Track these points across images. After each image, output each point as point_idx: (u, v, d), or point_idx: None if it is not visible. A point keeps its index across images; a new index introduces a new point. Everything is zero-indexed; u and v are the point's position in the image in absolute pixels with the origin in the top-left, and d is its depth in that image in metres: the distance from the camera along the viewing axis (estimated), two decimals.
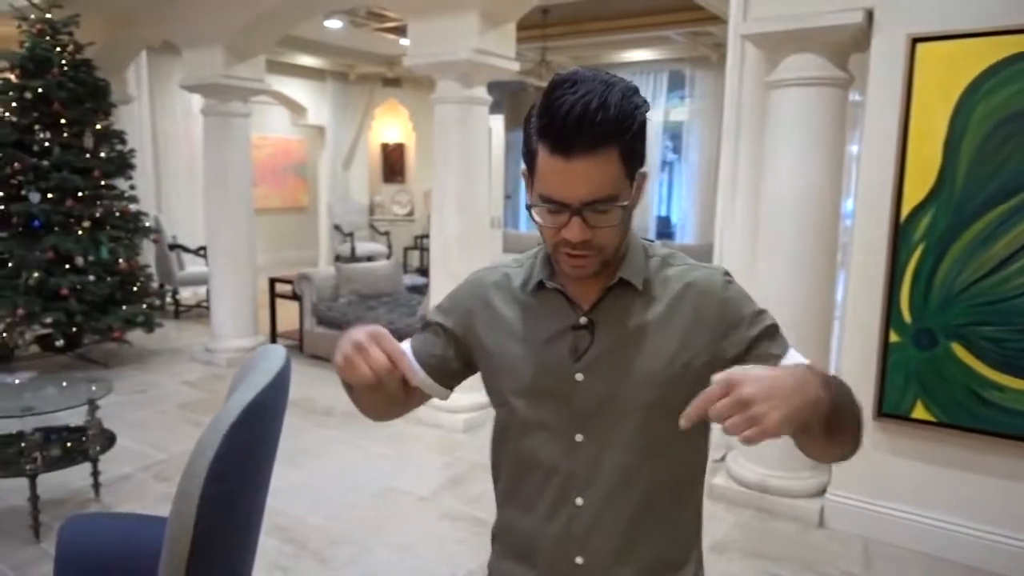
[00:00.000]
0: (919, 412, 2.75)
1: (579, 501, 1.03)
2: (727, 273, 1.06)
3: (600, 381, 1.00)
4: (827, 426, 0.86)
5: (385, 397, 1.08)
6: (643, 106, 0.91)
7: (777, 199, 3.00)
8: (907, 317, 2.75)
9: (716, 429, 1.07)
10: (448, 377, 1.15)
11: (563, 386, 1.02)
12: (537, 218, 0.95)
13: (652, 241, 1.10)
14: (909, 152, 2.70)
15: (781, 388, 0.78)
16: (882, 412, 2.82)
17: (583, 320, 1.02)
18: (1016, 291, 2.55)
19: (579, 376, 1.01)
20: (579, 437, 1.02)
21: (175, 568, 1.32)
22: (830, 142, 2.93)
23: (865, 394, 2.85)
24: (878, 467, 2.87)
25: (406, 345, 1.14)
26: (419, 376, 1.10)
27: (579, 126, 0.86)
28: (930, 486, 2.82)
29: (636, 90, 0.91)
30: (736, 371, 0.80)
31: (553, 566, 1.06)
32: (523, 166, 0.98)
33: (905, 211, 2.72)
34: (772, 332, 1.02)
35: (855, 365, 2.90)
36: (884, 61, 2.74)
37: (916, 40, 2.65)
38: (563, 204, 0.91)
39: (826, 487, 3.06)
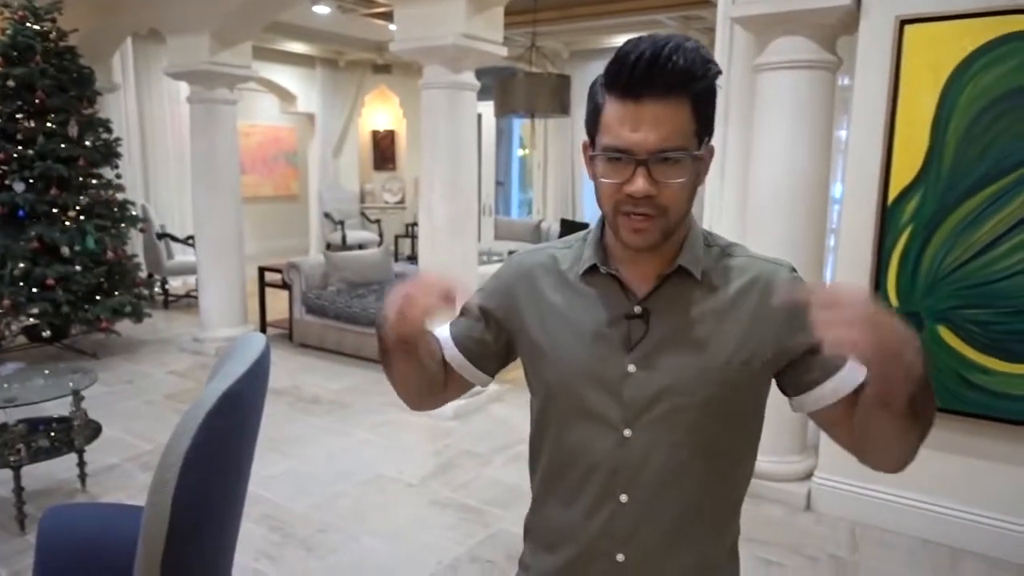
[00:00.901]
0: None
1: (623, 498, 0.98)
2: (794, 269, 1.01)
3: (653, 374, 0.95)
4: (909, 406, 0.83)
5: (425, 378, 1.07)
6: (715, 65, 0.88)
7: (766, 184, 2.98)
8: (894, 301, 2.75)
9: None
10: (488, 362, 1.11)
11: (613, 377, 0.96)
12: (599, 176, 0.91)
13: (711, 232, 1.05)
14: (897, 135, 2.68)
15: (889, 327, 0.76)
16: None
17: (637, 309, 0.97)
18: (1001, 273, 2.55)
19: (631, 367, 0.96)
20: (627, 432, 0.97)
21: (151, 557, 1.30)
22: (819, 126, 2.91)
23: None
24: None
25: (445, 331, 1.11)
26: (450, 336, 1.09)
27: (650, 69, 0.84)
28: (917, 469, 2.78)
29: (702, 45, 0.89)
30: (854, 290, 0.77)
31: (593, 562, 1.02)
32: (584, 139, 0.95)
33: (892, 194, 2.71)
34: None
35: None
36: (872, 43, 2.72)
37: (904, 22, 2.62)
38: (629, 153, 0.87)
39: (813, 471, 3.07)
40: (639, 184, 0.87)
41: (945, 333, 2.66)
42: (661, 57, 0.84)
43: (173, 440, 1.34)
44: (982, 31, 2.50)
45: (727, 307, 0.96)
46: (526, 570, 1.14)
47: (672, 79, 0.85)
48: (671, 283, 0.97)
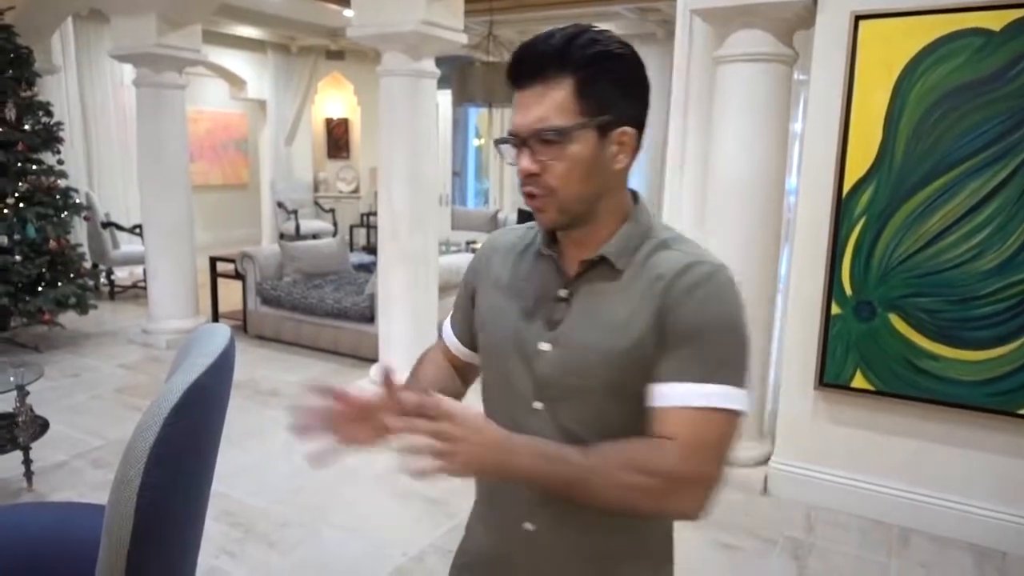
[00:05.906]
0: (858, 381, 2.84)
1: None
2: (726, 269, 0.97)
3: (564, 354, 1.00)
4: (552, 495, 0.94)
5: (450, 391, 1.15)
6: (602, 41, 0.90)
7: (725, 175, 3.03)
8: (848, 290, 2.83)
9: None
10: None
11: (530, 353, 1.02)
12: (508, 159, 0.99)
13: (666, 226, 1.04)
14: (851, 129, 2.75)
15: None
16: (823, 382, 2.91)
17: (563, 291, 1.02)
18: (949, 263, 2.65)
19: (544, 346, 1.01)
20: (537, 405, 1.02)
21: (115, 558, 1.26)
22: (776, 119, 2.97)
23: (807, 365, 2.93)
24: (819, 435, 2.96)
25: (449, 330, 1.21)
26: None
27: (522, 57, 0.92)
28: (869, 452, 2.93)
29: (596, 29, 0.92)
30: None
31: (506, 529, 1.08)
32: None
33: (847, 187, 2.78)
34: (723, 356, 0.94)
35: (798, 337, 2.97)
36: (828, 38, 2.78)
37: (859, 17, 2.69)
38: (515, 135, 0.94)
39: (770, 456, 3.15)
40: (523, 163, 0.94)
41: (896, 321, 2.75)
42: (528, 47, 0.92)
43: (136, 436, 1.29)
44: (932, 28, 2.58)
45: (638, 297, 0.97)
46: (463, 554, 1.22)
47: (542, 60, 0.90)
48: (595, 270, 1.00)
